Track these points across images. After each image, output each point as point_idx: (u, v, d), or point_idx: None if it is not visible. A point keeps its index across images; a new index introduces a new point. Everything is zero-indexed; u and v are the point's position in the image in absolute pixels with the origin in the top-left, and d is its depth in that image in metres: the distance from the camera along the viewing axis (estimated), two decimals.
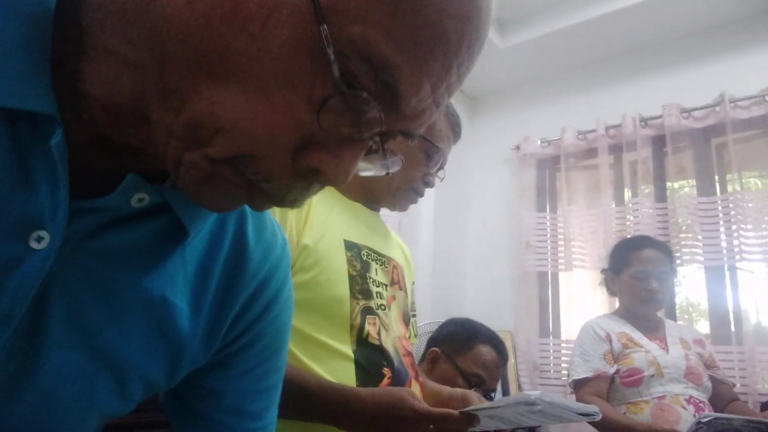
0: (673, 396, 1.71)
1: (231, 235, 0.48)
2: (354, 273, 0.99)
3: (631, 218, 2.80)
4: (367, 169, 0.42)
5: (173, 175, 0.36)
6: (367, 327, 0.97)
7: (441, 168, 1.16)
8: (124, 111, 0.36)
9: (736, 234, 2.54)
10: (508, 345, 2.90)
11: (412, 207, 1.19)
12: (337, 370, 0.91)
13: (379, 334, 0.98)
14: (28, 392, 0.38)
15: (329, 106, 0.33)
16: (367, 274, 1.02)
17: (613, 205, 2.90)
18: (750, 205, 2.56)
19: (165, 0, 0.33)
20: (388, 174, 0.42)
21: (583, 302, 2.90)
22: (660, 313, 1.97)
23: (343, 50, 0.32)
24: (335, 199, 1.07)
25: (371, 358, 0.95)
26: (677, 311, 2.71)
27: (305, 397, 0.86)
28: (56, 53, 0.36)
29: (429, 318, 2.37)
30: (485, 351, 1.50)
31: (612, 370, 1.81)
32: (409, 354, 1.07)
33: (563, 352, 2.84)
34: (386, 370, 0.97)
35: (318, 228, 0.97)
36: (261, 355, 0.53)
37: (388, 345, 1.00)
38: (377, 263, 1.06)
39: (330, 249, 0.97)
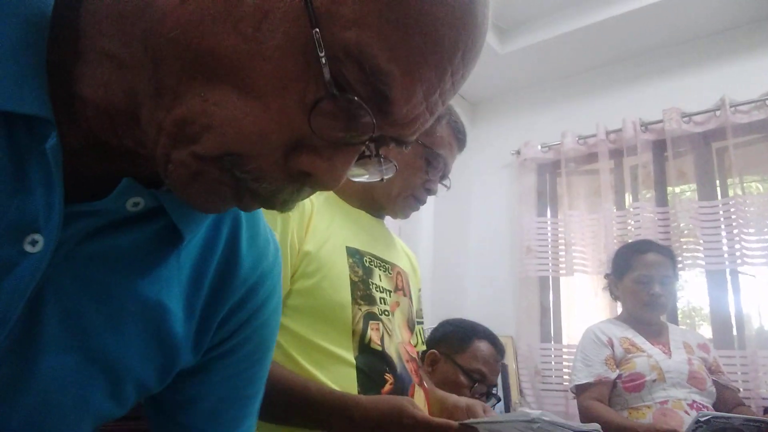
0: (676, 401, 1.70)
1: (224, 240, 0.48)
2: (356, 279, 0.99)
3: (633, 223, 2.80)
4: (360, 175, 0.42)
5: (162, 173, 0.36)
6: (369, 332, 0.97)
7: (445, 176, 1.16)
8: (119, 113, 0.37)
9: (737, 238, 2.54)
10: (510, 350, 2.89)
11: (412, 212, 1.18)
12: (339, 376, 0.91)
13: (382, 339, 0.98)
14: (23, 396, 0.38)
15: (320, 109, 0.33)
16: (370, 280, 1.02)
17: (614, 210, 2.89)
18: (751, 209, 2.56)
19: (159, 0, 0.33)
20: (382, 180, 0.42)
21: (585, 307, 2.89)
22: (663, 318, 1.96)
23: (335, 54, 0.32)
24: (338, 207, 1.08)
25: (373, 364, 0.95)
26: (679, 316, 2.70)
27: (306, 404, 0.86)
28: (52, 57, 0.36)
29: (429, 323, 2.36)
30: (483, 346, 1.53)
31: (614, 375, 1.80)
32: (413, 360, 1.07)
33: (564, 357, 2.83)
34: (388, 376, 0.96)
35: (320, 235, 0.98)
36: (243, 362, 0.53)
37: (391, 351, 0.99)
38: (380, 269, 1.06)
39: (332, 255, 0.98)
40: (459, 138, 1.15)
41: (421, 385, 1.04)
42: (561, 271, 2.97)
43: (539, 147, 3.15)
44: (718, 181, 2.75)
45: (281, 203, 0.38)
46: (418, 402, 0.95)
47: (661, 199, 2.82)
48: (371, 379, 0.94)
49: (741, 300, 2.50)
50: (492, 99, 3.44)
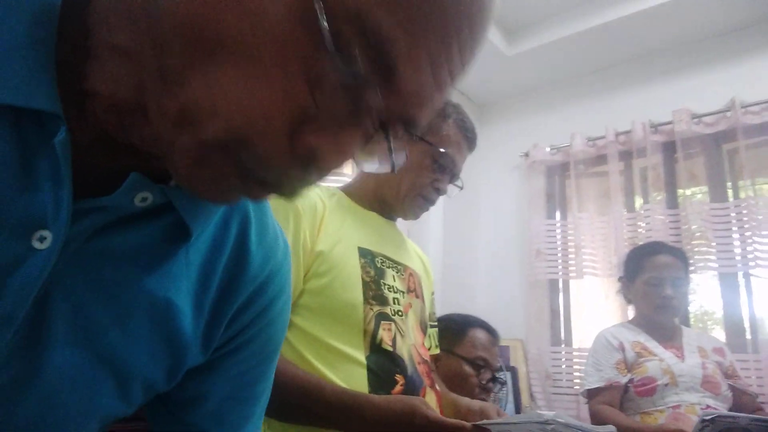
0: (689, 405, 1.68)
1: (233, 237, 0.47)
2: (368, 279, 0.99)
3: (643, 225, 2.78)
4: (370, 162, 0.40)
5: (169, 164, 0.35)
6: (381, 333, 0.97)
7: (455, 175, 1.15)
8: (127, 106, 0.36)
9: (750, 240, 2.51)
10: (520, 354, 2.88)
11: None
12: (350, 376, 0.91)
13: (393, 340, 0.98)
14: (30, 394, 0.38)
15: (324, 83, 0.33)
16: (382, 280, 1.02)
17: (625, 212, 2.87)
18: (763, 211, 2.53)
19: None
20: (393, 171, 0.40)
21: (595, 310, 2.87)
22: (676, 321, 1.94)
23: (338, 24, 0.32)
24: (349, 209, 1.08)
25: (384, 365, 0.95)
26: (692, 319, 2.68)
27: (320, 402, 0.86)
28: (61, 52, 0.36)
29: None
30: (478, 334, 1.59)
31: (625, 380, 1.79)
32: (426, 362, 1.07)
33: (575, 360, 2.81)
34: (399, 377, 0.96)
35: (332, 235, 0.98)
36: (250, 360, 0.52)
37: (403, 352, 0.99)
38: (393, 270, 1.06)
39: (344, 255, 0.98)
40: (468, 137, 1.15)
41: (432, 387, 1.04)
42: (571, 274, 2.94)
43: (548, 149, 3.14)
44: (729, 183, 2.73)
45: (289, 189, 0.37)
46: (430, 404, 0.95)
47: (672, 201, 2.79)
48: (381, 380, 0.94)
49: (754, 303, 2.47)
50: (499, 101, 3.43)
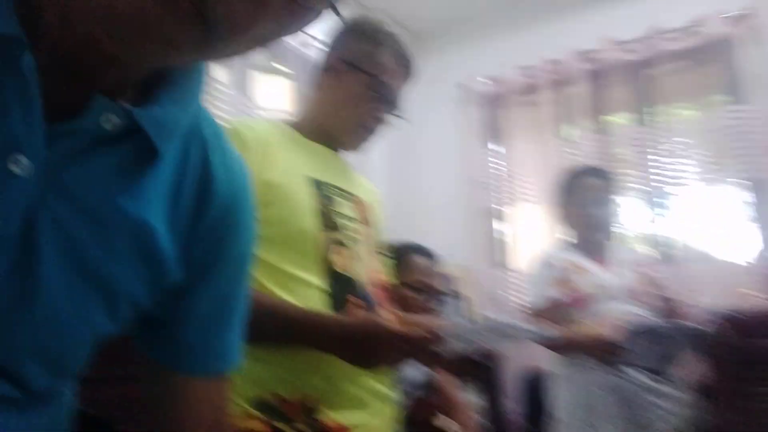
0: (616, 313, 1.84)
1: (196, 161, 0.49)
2: (320, 208, 1.00)
3: (573, 151, 2.92)
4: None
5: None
6: (336, 258, 0.99)
7: (395, 105, 1.16)
8: (80, 17, 0.36)
9: (670, 162, 2.70)
10: (464, 278, 3.02)
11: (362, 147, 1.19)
12: (308, 300, 0.94)
13: (348, 265, 1.01)
14: (31, 314, 0.40)
15: None
16: (334, 209, 1.04)
17: (556, 140, 3.00)
18: (682, 133, 2.72)
19: None
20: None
21: (531, 234, 3.04)
22: (605, 239, 2.09)
23: None
24: (297, 141, 1.08)
25: (340, 288, 0.98)
26: (617, 236, 2.88)
27: (286, 323, 0.90)
28: None
29: None
30: (418, 259, 1.66)
31: (561, 296, 1.93)
32: (378, 285, 1.11)
33: (514, 282, 2.99)
34: (354, 299, 1.00)
35: (281, 165, 0.99)
36: (225, 276, 0.54)
37: (356, 275, 1.03)
38: (343, 199, 1.08)
39: (294, 185, 0.99)
40: (404, 65, 1.15)
41: (384, 308, 1.09)
42: (508, 202, 3.08)
43: (483, 79, 3.18)
44: (649, 109, 2.88)
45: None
46: None
47: (599, 128, 2.94)
48: (337, 302, 0.97)
49: (669, 220, 2.70)
50: (435, 31, 3.40)
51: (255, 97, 2.46)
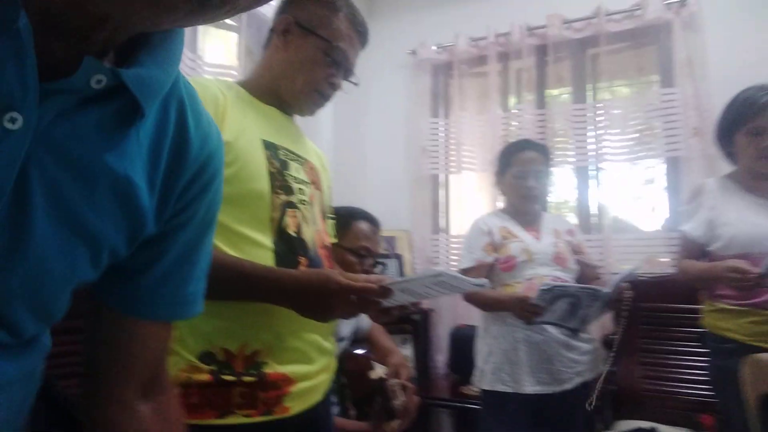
0: (541, 277, 1.99)
1: (173, 122, 0.51)
2: (273, 170, 1.02)
3: (516, 124, 3.03)
4: None
5: None
6: (286, 219, 1.02)
7: (349, 70, 1.16)
8: None
9: (602, 138, 2.86)
10: (405, 242, 3.14)
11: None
12: (257, 259, 0.96)
13: (299, 226, 1.04)
14: (21, 262, 0.42)
15: None
16: (286, 171, 1.05)
17: (500, 111, 3.10)
18: (616, 111, 2.87)
19: None
20: None
21: (471, 202, 3.17)
22: (538, 208, 2.22)
23: None
24: (250, 103, 1.08)
25: (289, 249, 1.02)
26: (551, 206, 3.06)
27: (240, 278, 0.92)
28: None
29: None
30: (361, 225, 1.73)
31: (491, 259, 2.06)
32: (326, 247, 1.15)
33: (453, 246, 3.12)
34: (303, 259, 1.03)
35: (236, 126, 0.99)
36: (194, 230, 0.57)
37: (307, 237, 1.06)
38: (296, 162, 1.10)
39: (248, 146, 1.00)
40: (359, 30, 1.15)
41: (332, 268, 1.14)
42: (451, 170, 3.18)
43: (434, 48, 3.22)
44: (590, 86, 3.02)
45: None
46: None
47: (541, 102, 3.06)
48: (286, 262, 1.00)
49: (601, 192, 2.87)
50: None
51: (204, 53, 2.43)
